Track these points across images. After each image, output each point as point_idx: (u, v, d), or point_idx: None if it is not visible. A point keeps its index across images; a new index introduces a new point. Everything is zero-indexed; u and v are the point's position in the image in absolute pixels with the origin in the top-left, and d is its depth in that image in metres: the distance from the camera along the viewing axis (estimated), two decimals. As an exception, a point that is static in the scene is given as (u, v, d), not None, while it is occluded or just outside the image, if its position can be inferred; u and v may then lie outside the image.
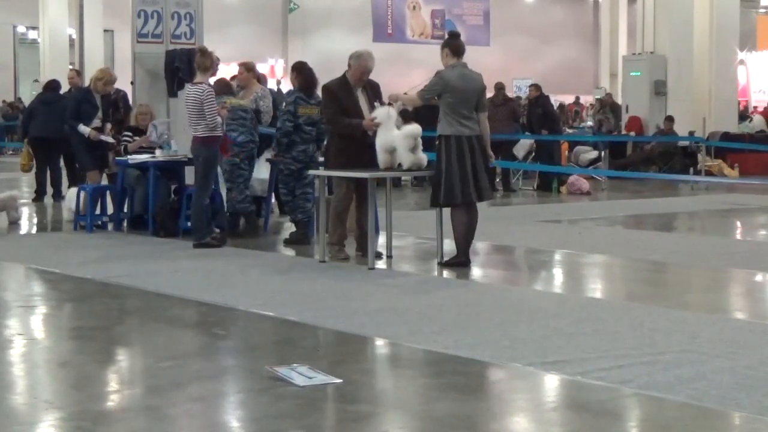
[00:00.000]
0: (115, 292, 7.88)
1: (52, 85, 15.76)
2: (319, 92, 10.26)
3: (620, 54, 34.04)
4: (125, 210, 11.65)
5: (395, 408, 4.91)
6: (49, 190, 15.22)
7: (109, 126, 12.05)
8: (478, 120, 8.88)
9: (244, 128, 10.96)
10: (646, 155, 20.72)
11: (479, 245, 10.03)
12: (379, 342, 6.22)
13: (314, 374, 5.19)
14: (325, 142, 10.44)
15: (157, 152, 11.34)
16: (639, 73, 22.05)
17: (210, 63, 10.15)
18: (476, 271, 8.97)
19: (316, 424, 4.61)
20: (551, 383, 5.29)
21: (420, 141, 8.83)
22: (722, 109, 22.78)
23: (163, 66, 12.73)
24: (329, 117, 9.43)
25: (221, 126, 10.11)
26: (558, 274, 9.51)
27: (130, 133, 11.86)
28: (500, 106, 17.73)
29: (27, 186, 16.66)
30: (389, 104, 9.59)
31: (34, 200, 15.11)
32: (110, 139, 11.84)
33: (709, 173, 19.41)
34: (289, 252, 10.16)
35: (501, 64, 37.36)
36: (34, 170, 15.22)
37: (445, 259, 9.13)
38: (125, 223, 11.71)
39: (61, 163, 15.17)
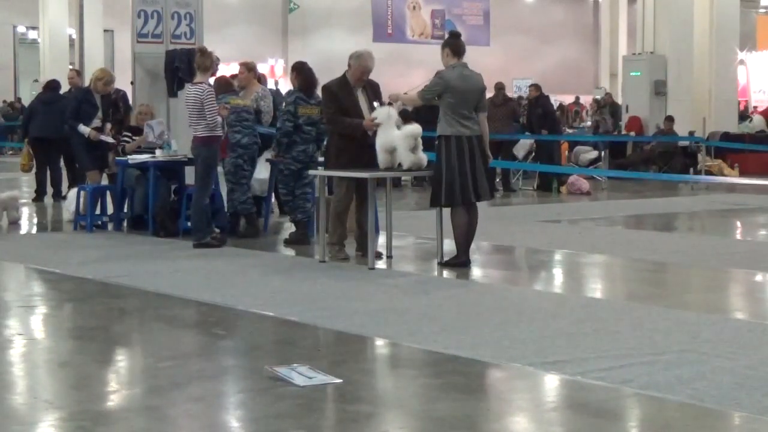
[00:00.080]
0: (115, 292, 7.88)
1: (52, 85, 15.76)
2: (319, 92, 10.26)
3: (620, 54, 34.04)
4: (125, 210, 11.64)
5: (395, 408, 4.91)
6: (49, 190, 15.21)
7: (109, 126, 12.04)
8: (478, 120, 8.88)
9: (248, 130, 10.98)
10: (646, 155, 20.71)
11: (479, 245, 10.03)
12: (379, 342, 6.22)
13: (314, 374, 5.19)
14: (325, 143, 10.44)
15: (157, 152, 11.34)
16: (639, 73, 22.04)
17: (210, 63, 10.16)
18: (476, 271, 8.97)
19: (316, 424, 4.61)
20: (551, 383, 5.29)
21: (420, 141, 8.83)
22: (722, 109, 22.76)
23: (163, 66, 12.73)
24: (329, 117, 9.43)
25: (221, 126, 10.11)
26: (558, 274, 9.50)
27: (129, 134, 11.86)
28: (500, 106, 17.72)
29: (27, 186, 16.64)
30: (389, 104, 9.59)
31: (34, 200, 15.10)
32: (110, 139, 11.83)
33: (709, 173, 19.40)
34: (289, 252, 10.16)
35: (501, 64, 37.36)
36: (34, 170, 15.21)
37: (445, 259, 9.13)
38: (125, 223, 11.71)
39: (61, 163, 15.17)
